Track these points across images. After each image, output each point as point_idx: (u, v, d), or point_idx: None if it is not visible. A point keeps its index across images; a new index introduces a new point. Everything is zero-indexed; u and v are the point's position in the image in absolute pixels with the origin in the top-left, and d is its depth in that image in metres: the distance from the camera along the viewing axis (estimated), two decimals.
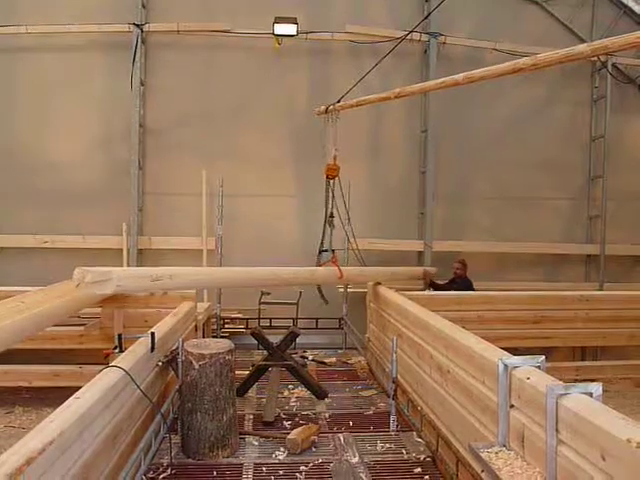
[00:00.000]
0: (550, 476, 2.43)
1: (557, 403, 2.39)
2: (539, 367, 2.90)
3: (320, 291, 7.66)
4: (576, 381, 2.71)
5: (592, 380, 2.59)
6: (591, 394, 2.39)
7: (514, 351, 3.23)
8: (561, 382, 2.55)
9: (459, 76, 5.13)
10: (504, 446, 2.92)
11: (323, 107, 7.69)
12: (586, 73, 9.65)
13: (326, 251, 7.54)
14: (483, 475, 3.04)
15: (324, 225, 7.71)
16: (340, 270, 6.82)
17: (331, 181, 7.60)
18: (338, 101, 7.40)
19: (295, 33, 8.65)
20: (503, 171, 9.44)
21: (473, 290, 8.04)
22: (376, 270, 7.91)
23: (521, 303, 7.09)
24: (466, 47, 9.08)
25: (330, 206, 7.61)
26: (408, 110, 9.34)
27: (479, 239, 9.38)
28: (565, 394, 2.40)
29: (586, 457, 2.20)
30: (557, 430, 2.40)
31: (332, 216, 7.67)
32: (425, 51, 9.19)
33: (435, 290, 8.35)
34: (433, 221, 9.23)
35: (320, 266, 7.28)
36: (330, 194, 7.61)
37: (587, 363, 8.49)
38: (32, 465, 2.06)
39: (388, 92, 6.66)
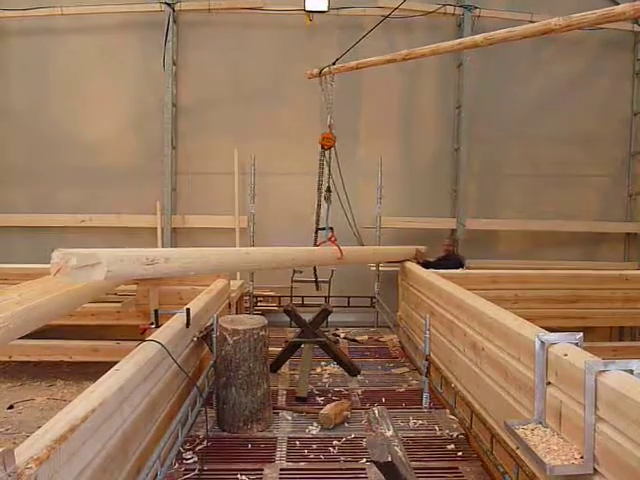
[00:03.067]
0: (588, 453, 2.39)
1: (596, 380, 2.35)
2: (577, 344, 2.84)
3: (315, 274, 7.13)
4: None
5: None
6: (632, 371, 2.33)
7: (550, 331, 3.19)
8: (600, 359, 2.50)
9: (479, 37, 4.75)
10: (540, 423, 2.89)
11: (316, 69, 7.01)
12: (628, 44, 9.30)
13: (323, 229, 6.97)
14: (518, 452, 3.02)
15: (318, 200, 7.10)
16: (340, 250, 6.39)
17: (326, 152, 7.05)
18: (334, 63, 6.86)
19: (326, 9, 8.55)
20: (538, 147, 9.22)
21: (463, 266, 7.90)
22: (373, 249, 7.71)
23: (558, 282, 6.95)
24: (501, 20, 8.79)
25: (326, 179, 7.01)
26: (441, 86, 9.18)
27: (513, 217, 9.22)
28: (604, 371, 2.36)
29: (626, 434, 2.16)
30: (596, 407, 2.36)
31: (329, 190, 7.09)
32: (459, 25, 8.97)
33: (426, 268, 8.21)
34: (466, 199, 9.10)
35: (317, 245, 6.79)
36: (326, 166, 7.05)
37: (625, 343, 8.31)
38: (75, 432, 2.12)
39: (394, 54, 6.10)
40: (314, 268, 7.08)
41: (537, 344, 2.90)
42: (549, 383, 2.86)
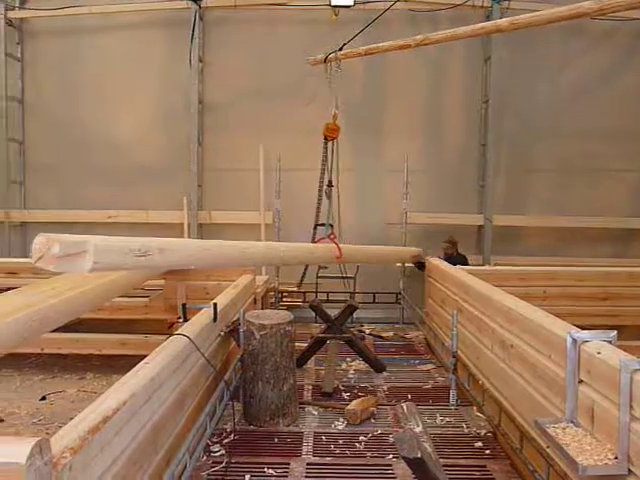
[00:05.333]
0: (622, 453, 2.34)
1: (632, 378, 2.30)
2: (610, 342, 2.79)
3: (304, 272, 6.85)
4: None
5: None
6: None
7: (579, 329, 3.13)
8: (635, 357, 2.44)
9: (502, 21, 4.56)
10: (571, 422, 2.84)
11: (320, 55, 6.66)
12: None
13: (322, 225, 6.68)
14: (549, 450, 2.98)
15: (319, 195, 6.82)
16: (339, 248, 6.06)
17: (329, 144, 6.76)
18: (340, 49, 6.55)
19: (352, 3, 8.51)
20: (567, 142, 9.06)
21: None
22: (379, 249, 7.55)
23: (588, 279, 6.81)
24: (532, 12, 8.67)
25: (329, 173, 6.68)
26: (468, 81, 9.08)
27: (541, 213, 9.08)
28: None
29: None
30: (631, 406, 2.30)
31: (331, 185, 6.75)
32: (487, 17, 8.83)
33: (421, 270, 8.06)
34: (493, 194, 8.99)
35: (316, 242, 6.49)
36: (329, 159, 6.70)
37: None
38: (108, 423, 2.16)
39: (408, 39, 5.77)
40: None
41: (569, 341, 2.85)
42: (581, 381, 2.81)
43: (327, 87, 8.31)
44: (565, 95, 9.01)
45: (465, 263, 7.76)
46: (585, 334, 2.85)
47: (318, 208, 6.83)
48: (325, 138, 6.76)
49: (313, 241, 6.61)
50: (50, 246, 2.43)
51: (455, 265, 7.49)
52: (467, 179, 9.17)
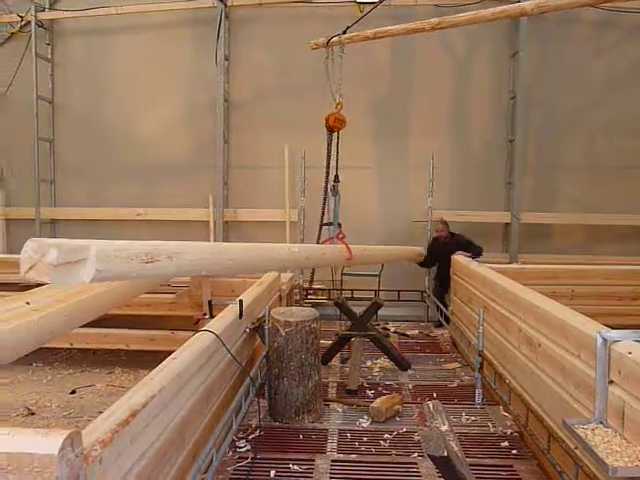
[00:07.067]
0: None
1: None
2: None
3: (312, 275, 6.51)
4: None
5: None
6: None
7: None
8: None
9: (528, 4, 4.22)
10: (601, 423, 2.80)
11: (322, 39, 6.13)
12: None
13: (330, 224, 6.28)
14: (577, 451, 2.94)
15: (325, 192, 6.43)
16: (349, 249, 5.69)
17: (333, 135, 6.38)
18: (344, 32, 6.13)
19: None
20: (597, 138, 8.88)
21: (476, 246, 7.37)
22: (387, 249, 7.43)
23: (618, 278, 6.68)
24: None
25: (335, 167, 6.29)
26: (495, 76, 8.95)
27: (570, 210, 8.92)
28: None
29: None
30: None
31: (337, 180, 6.36)
32: None
33: (423, 266, 8.02)
34: (521, 191, 8.86)
35: (322, 243, 6.11)
36: (335, 152, 6.31)
37: None
38: (137, 417, 2.19)
39: (421, 22, 5.35)
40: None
41: (599, 341, 2.81)
42: (611, 382, 2.77)
43: (351, 84, 8.23)
44: (595, 90, 8.82)
45: (471, 244, 7.47)
46: (615, 334, 2.80)
47: (324, 206, 6.46)
48: (331, 130, 6.36)
49: (318, 242, 6.25)
50: (45, 252, 1.99)
51: (454, 247, 7.32)
52: (494, 176, 9.05)
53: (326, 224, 6.36)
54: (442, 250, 7.64)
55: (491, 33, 8.66)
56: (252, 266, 4.11)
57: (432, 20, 5.08)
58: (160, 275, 3.20)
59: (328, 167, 6.40)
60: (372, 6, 8.45)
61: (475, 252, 7.30)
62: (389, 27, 5.76)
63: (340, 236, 6.05)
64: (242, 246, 3.99)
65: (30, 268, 2.00)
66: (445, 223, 7.86)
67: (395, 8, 8.57)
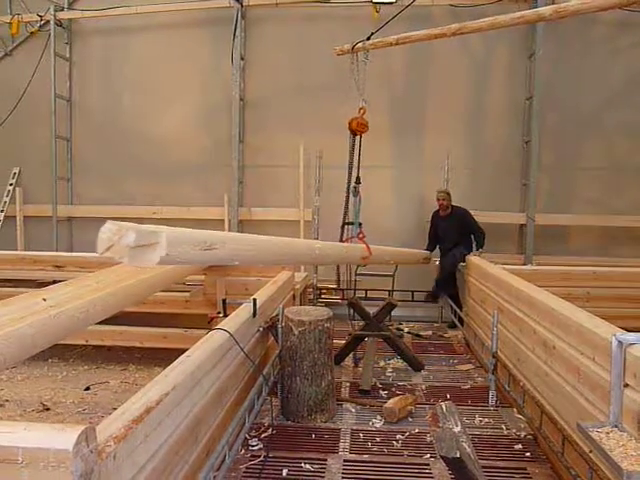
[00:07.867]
0: None
1: None
2: None
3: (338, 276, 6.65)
4: None
5: None
6: None
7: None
8: None
9: (546, 9, 4.31)
10: (616, 426, 2.77)
11: (347, 45, 6.40)
12: None
13: (351, 224, 6.54)
14: (591, 455, 2.91)
15: (347, 192, 6.68)
16: (369, 248, 5.94)
17: (356, 138, 6.56)
18: (368, 38, 6.36)
19: (394, 0, 8.44)
20: (615, 139, 8.78)
21: (473, 220, 7.47)
22: (399, 251, 7.43)
23: (635, 280, 6.59)
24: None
25: (356, 169, 6.49)
26: (511, 77, 8.89)
27: (587, 212, 8.83)
28: None
29: None
30: None
31: (359, 182, 6.61)
32: None
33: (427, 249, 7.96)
34: (537, 193, 8.79)
35: (344, 242, 6.37)
36: (357, 155, 6.51)
37: None
38: (151, 414, 2.21)
39: (443, 28, 5.56)
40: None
41: (614, 344, 2.78)
42: (627, 385, 2.74)
43: (367, 82, 8.31)
44: (614, 91, 8.73)
45: (468, 216, 7.50)
46: (631, 336, 2.77)
47: (346, 206, 6.74)
48: (354, 133, 6.62)
49: (341, 240, 6.49)
50: (123, 235, 2.15)
51: (454, 221, 7.31)
52: (509, 177, 8.99)
53: (348, 223, 6.57)
54: (442, 225, 7.56)
55: (508, 34, 8.57)
56: (284, 259, 4.62)
57: (452, 26, 5.25)
58: (213, 261, 3.51)
59: (350, 169, 6.58)
60: (390, 7, 8.51)
61: (479, 243, 7.26)
62: (411, 33, 5.96)
63: (360, 235, 6.25)
64: (284, 240, 4.33)
65: (107, 249, 2.16)
66: (447, 193, 7.71)
67: (411, 8, 8.51)
